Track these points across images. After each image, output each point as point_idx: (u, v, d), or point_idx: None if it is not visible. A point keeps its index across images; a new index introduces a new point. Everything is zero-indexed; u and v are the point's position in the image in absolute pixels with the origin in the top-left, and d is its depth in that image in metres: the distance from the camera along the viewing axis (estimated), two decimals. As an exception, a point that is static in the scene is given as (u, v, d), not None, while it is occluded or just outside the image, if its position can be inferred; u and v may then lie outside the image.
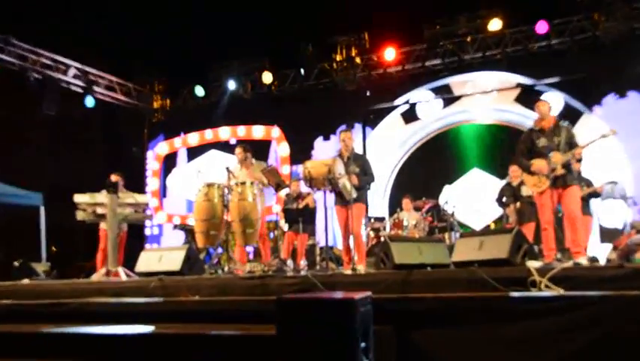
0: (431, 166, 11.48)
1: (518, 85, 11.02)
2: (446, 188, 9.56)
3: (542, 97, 6.57)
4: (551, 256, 5.47)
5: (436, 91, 11.80)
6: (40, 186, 10.94)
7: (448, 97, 11.55)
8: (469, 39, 11.21)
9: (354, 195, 6.22)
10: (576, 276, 3.78)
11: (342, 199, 6.39)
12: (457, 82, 11.66)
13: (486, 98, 11.40)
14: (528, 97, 10.70)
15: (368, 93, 12.16)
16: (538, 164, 5.72)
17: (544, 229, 5.66)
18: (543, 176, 5.68)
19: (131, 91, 13.97)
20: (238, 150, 7.34)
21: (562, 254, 5.78)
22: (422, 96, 11.89)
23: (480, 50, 11.22)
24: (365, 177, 6.58)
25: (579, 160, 6.33)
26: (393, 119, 12.11)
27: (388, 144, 11.98)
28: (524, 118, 10.69)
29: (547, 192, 5.66)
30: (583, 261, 5.28)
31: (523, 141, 5.99)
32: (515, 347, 3.28)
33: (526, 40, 10.86)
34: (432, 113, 11.84)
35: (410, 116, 11.97)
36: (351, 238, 6.33)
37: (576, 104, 10.32)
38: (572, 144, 5.72)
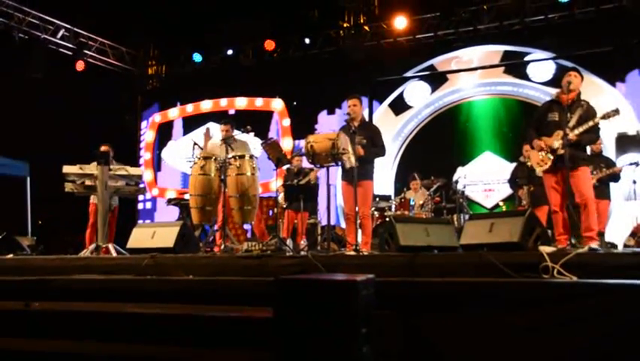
0: (434, 149, 11.60)
1: (505, 53, 11.36)
2: (459, 170, 9.60)
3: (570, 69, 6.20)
4: (563, 241, 5.43)
5: (428, 77, 12.03)
6: (26, 156, 10.95)
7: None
8: (485, 7, 11.10)
9: (355, 165, 6.10)
10: (592, 263, 3.78)
11: (348, 176, 6.31)
12: (441, 62, 11.88)
13: (473, 74, 11.67)
14: (517, 66, 11.18)
15: None
16: (544, 140, 5.59)
17: (554, 211, 5.60)
18: (548, 154, 5.57)
19: (124, 55, 13.90)
20: (224, 127, 7.26)
21: (577, 239, 5.75)
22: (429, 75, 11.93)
23: (497, 20, 11.11)
24: (373, 148, 6.46)
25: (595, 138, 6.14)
26: (383, 112, 12.20)
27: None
28: (518, 87, 11.11)
29: (558, 173, 5.56)
30: (594, 246, 5.27)
31: (537, 112, 5.92)
32: (525, 336, 3.31)
33: (546, 9, 10.73)
34: (422, 99, 12.02)
35: (399, 106, 12.09)
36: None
37: (597, 80, 10.26)
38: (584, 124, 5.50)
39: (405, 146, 12.12)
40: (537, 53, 10.99)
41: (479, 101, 11.59)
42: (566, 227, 5.56)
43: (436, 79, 11.92)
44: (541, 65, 10.94)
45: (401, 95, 12.12)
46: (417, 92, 12.07)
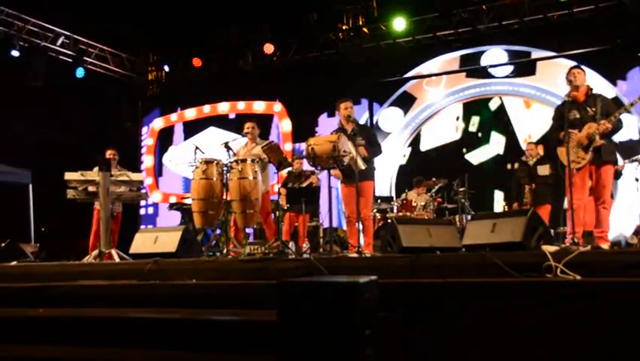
0: (429, 156, 11.84)
1: (461, 57, 11.62)
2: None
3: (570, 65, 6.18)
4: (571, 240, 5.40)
5: (397, 101, 12.20)
6: (28, 163, 10.95)
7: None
8: (484, 7, 11.11)
9: (363, 167, 6.17)
10: (595, 261, 3.77)
11: (348, 178, 6.35)
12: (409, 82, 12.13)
13: (438, 86, 11.89)
14: (477, 70, 11.49)
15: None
16: (576, 136, 5.51)
17: (577, 206, 5.45)
18: (581, 150, 5.51)
19: (124, 61, 13.91)
20: (250, 124, 7.31)
21: (588, 237, 5.69)
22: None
23: (496, 20, 11.11)
24: (372, 148, 6.53)
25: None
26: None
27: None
28: (485, 87, 11.41)
29: (586, 169, 5.54)
30: (605, 246, 5.25)
31: (555, 116, 5.89)
32: (528, 336, 3.30)
33: (546, 8, 10.73)
34: (397, 124, 12.19)
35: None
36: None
37: (598, 78, 10.24)
38: (609, 114, 5.51)
39: (399, 162, 12.26)
40: (493, 49, 11.30)
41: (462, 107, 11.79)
42: (580, 225, 5.50)
43: (404, 102, 12.16)
44: (498, 61, 11.34)
45: (376, 124, 12.26)
46: (390, 118, 12.28)
